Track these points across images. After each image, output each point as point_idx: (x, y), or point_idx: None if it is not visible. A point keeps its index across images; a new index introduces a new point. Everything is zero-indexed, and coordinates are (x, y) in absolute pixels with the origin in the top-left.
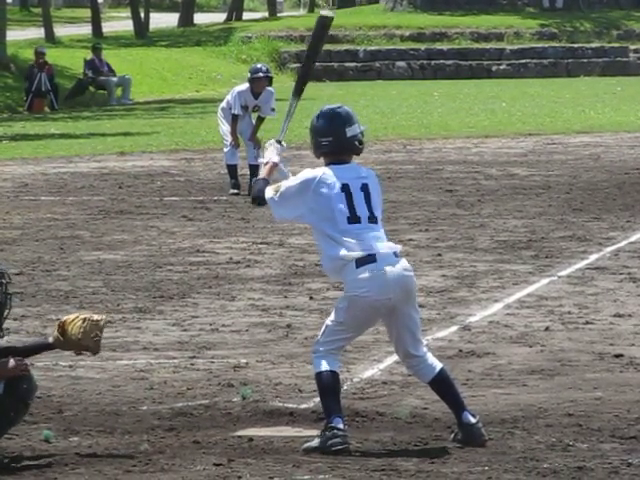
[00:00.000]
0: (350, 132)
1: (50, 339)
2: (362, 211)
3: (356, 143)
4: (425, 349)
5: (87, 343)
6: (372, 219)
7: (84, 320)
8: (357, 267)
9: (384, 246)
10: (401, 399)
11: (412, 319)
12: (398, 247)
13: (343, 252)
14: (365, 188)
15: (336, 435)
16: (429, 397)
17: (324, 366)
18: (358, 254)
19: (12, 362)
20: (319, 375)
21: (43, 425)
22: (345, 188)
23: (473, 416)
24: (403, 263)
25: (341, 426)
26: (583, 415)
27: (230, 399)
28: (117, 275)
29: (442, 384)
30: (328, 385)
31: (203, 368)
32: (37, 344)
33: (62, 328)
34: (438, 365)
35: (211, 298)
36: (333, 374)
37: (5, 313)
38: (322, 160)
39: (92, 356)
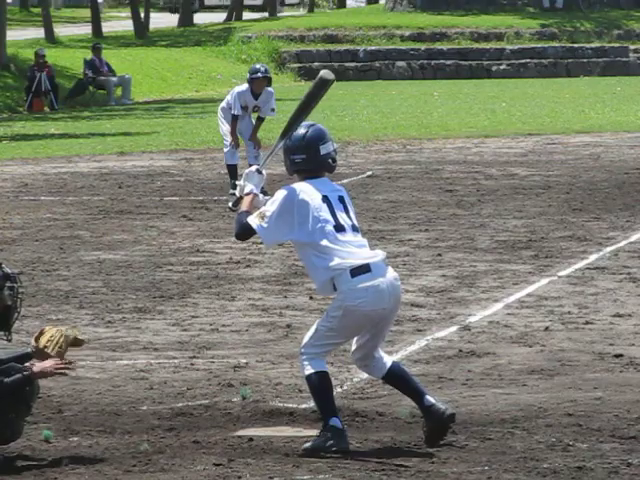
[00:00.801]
0: (324, 150)
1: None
2: (345, 220)
3: (329, 161)
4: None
5: (52, 352)
6: (355, 228)
7: (58, 332)
8: (352, 277)
9: (374, 254)
10: (401, 399)
11: (388, 327)
12: (384, 254)
13: (337, 261)
14: (342, 200)
15: (335, 436)
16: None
17: (313, 368)
18: (352, 263)
19: (49, 362)
20: (309, 377)
21: (43, 425)
22: (326, 199)
23: (431, 398)
24: (392, 271)
25: (340, 426)
26: (583, 415)
27: (230, 399)
28: (117, 275)
29: (395, 377)
30: (320, 386)
31: (203, 368)
32: (22, 354)
33: (38, 335)
34: (389, 360)
35: (211, 298)
36: (323, 374)
37: (15, 316)
38: (296, 178)
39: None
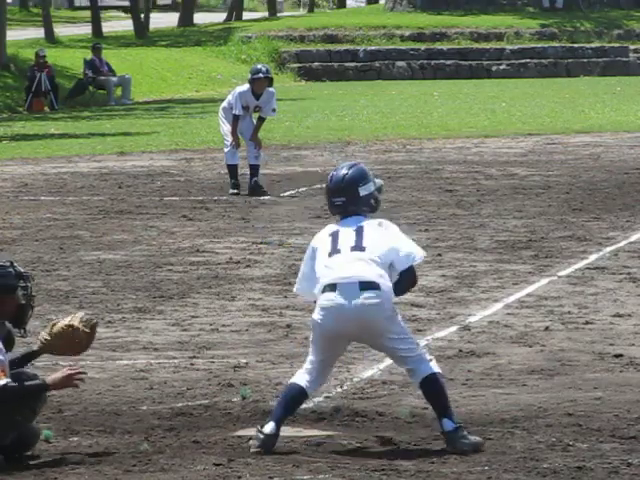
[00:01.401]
0: (363, 191)
1: (34, 346)
2: (345, 244)
3: (371, 201)
4: (415, 360)
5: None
6: (357, 248)
7: (70, 321)
8: (322, 293)
9: (351, 275)
10: (401, 399)
11: (388, 348)
12: (373, 278)
13: (320, 281)
14: (360, 229)
15: (257, 437)
16: None
17: (293, 377)
18: (326, 281)
19: (64, 373)
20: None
21: (43, 425)
22: (334, 234)
23: (451, 423)
24: (366, 297)
25: (267, 430)
26: (583, 415)
27: (230, 399)
28: (117, 275)
29: (425, 389)
30: (282, 393)
31: (203, 368)
32: (25, 353)
33: (50, 329)
34: (428, 371)
35: (211, 298)
36: (290, 386)
37: (29, 314)
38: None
39: (82, 350)
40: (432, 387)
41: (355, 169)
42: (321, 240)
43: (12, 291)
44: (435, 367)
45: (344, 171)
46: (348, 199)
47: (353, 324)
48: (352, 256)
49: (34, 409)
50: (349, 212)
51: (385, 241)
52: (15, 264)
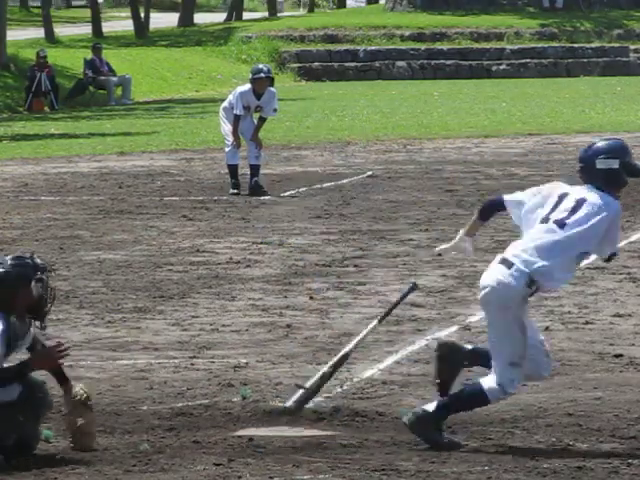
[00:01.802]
0: (601, 164)
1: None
2: (557, 215)
3: (610, 178)
4: (495, 367)
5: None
6: (560, 223)
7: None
8: None
9: (513, 251)
10: (401, 399)
11: (489, 330)
12: (517, 262)
13: None
14: (581, 202)
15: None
16: (429, 397)
17: None
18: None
19: (46, 347)
20: None
21: (43, 425)
22: (562, 196)
23: (430, 410)
24: (500, 272)
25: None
26: (583, 415)
27: (230, 399)
28: (117, 275)
29: (464, 388)
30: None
31: (203, 368)
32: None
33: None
34: (484, 381)
35: (211, 298)
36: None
37: (47, 306)
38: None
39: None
40: (467, 389)
41: (606, 142)
42: (555, 193)
43: (27, 281)
44: (492, 388)
45: (595, 140)
46: (583, 167)
47: (481, 297)
48: (545, 230)
49: (37, 414)
50: (585, 180)
51: (588, 226)
52: (35, 256)
